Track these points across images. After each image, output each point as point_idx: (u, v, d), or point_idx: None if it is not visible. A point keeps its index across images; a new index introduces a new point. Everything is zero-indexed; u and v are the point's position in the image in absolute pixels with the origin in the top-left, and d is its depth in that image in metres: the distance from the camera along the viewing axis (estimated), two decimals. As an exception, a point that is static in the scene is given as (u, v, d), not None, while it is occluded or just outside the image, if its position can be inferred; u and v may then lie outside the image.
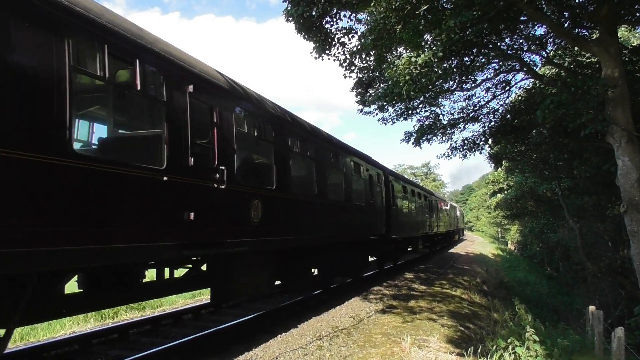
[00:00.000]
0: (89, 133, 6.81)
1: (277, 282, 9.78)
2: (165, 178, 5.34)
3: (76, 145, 5.25)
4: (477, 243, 61.41)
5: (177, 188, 5.59)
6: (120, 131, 7.13)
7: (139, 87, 5.10)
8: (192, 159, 5.85)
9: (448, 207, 40.53)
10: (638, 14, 11.88)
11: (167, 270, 6.82)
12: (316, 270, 11.97)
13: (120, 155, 5.62)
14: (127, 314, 10.56)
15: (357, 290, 13.44)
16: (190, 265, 7.13)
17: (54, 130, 4.10)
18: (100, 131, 6.88)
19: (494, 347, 7.03)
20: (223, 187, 6.46)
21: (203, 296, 12.56)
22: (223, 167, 6.48)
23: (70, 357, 7.08)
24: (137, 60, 5.10)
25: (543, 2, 11.26)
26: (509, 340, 6.92)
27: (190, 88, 5.97)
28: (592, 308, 9.89)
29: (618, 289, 18.94)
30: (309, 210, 9.74)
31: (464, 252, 37.03)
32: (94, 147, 6.68)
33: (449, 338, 8.58)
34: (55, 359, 7.00)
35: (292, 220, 8.91)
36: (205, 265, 7.29)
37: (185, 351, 7.25)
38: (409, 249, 22.52)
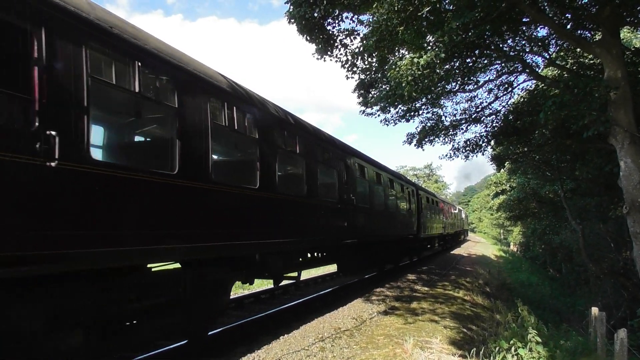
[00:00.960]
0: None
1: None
2: None
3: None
4: (480, 244, 61.29)
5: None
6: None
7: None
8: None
9: (456, 211, 45.41)
10: (640, 16, 11.89)
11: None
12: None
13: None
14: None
15: (360, 291, 13.46)
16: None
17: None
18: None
19: (497, 348, 7.03)
20: (339, 206, 10.84)
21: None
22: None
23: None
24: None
25: (545, 4, 11.27)
26: (511, 342, 6.93)
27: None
28: (594, 309, 9.87)
29: (620, 290, 18.88)
30: (378, 217, 14.26)
31: (466, 254, 36.97)
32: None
33: (452, 339, 8.58)
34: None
35: (370, 224, 13.29)
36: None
37: (184, 354, 7.27)
38: (428, 246, 27.86)
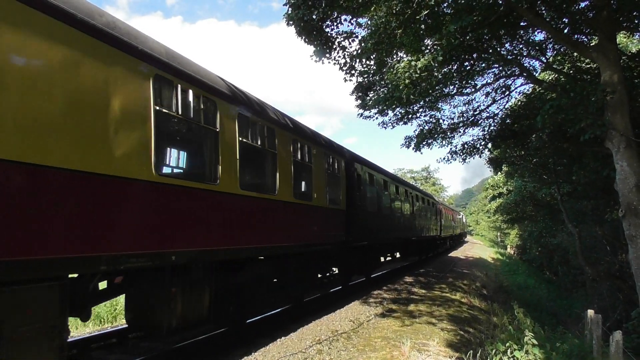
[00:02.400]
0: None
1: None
2: None
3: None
4: (477, 247, 61.35)
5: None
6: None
7: None
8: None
9: (460, 217, 56.80)
10: (636, 21, 11.97)
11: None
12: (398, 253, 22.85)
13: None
14: (122, 320, 10.08)
15: (357, 294, 13.47)
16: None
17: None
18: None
19: (494, 351, 7.05)
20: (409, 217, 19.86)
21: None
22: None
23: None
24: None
25: (543, 8, 11.33)
26: (508, 344, 6.95)
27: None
28: (590, 312, 9.91)
29: (616, 292, 18.96)
30: (421, 224, 23.07)
31: (463, 256, 37.03)
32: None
33: (449, 342, 8.60)
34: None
35: (418, 228, 22.01)
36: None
37: (184, 356, 7.27)
38: (444, 244, 38.09)
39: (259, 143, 7.78)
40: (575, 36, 12.58)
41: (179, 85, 5.83)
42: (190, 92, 6.03)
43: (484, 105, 16.58)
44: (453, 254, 39.62)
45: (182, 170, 7.82)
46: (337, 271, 13.48)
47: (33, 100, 3.99)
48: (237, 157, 6.90)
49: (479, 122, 16.65)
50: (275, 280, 9.23)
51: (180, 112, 5.86)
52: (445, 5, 10.20)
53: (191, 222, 5.92)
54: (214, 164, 6.49)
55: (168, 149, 7.36)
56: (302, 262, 9.98)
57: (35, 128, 3.98)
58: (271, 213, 8.15)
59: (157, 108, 5.39)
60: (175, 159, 7.42)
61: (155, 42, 5.78)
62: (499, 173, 29.86)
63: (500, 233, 74.51)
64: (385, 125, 16.53)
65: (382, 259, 19.15)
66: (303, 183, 10.44)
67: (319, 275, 12.42)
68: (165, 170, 7.22)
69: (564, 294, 26.79)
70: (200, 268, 6.53)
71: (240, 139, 7.03)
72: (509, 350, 6.83)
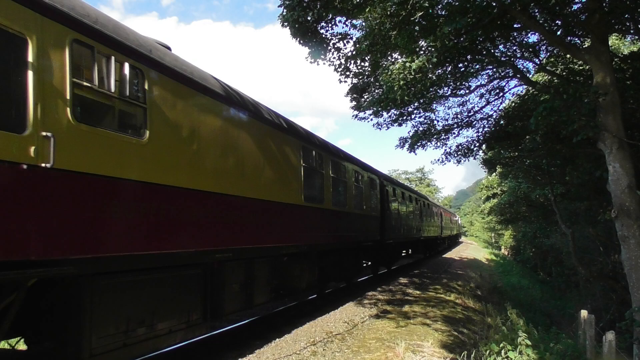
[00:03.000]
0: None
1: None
2: None
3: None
4: (471, 248, 61.55)
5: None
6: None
7: None
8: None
9: (456, 219, 64.81)
10: (628, 23, 12.06)
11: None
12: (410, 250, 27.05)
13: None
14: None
15: (352, 295, 13.48)
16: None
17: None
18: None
19: (488, 351, 7.08)
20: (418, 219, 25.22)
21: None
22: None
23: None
24: None
25: (536, 11, 11.39)
26: (502, 345, 6.98)
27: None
28: (584, 312, 9.98)
29: (609, 293, 19.06)
30: (427, 226, 28.41)
31: (457, 257, 37.12)
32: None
33: (443, 343, 8.62)
34: None
35: (424, 229, 27.01)
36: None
37: (179, 358, 7.24)
38: (444, 242, 44.73)
39: (339, 175, 12.34)
40: (568, 38, 12.66)
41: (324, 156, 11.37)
42: (313, 151, 10.77)
43: (478, 106, 16.65)
44: (447, 255, 39.72)
45: (313, 197, 10.74)
46: (370, 263, 17.77)
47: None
48: (331, 187, 11.58)
49: (473, 123, 16.70)
50: (339, 265, 12.95)
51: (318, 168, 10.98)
52: (439, 7, 10.24)
53: (314, 226, 10.45)
54: (323, 192, 11.08)
55: (308, 186, 10.46)
56: (354, 253, 14.18)
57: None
58: (344, 220, 12.56)
59: (304, 165, 9.98)
60: (310, 191, 10.55)
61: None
62: (493, 174, 30.01)
63: (495, 234, 74.76)
64: (379, 127, 16.54)
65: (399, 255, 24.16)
66: (358, 198, 14.12)
67: (364, 264, 16.54)
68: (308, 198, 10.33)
69: (558, 295, 26.92)
70: (314, 254, 10.76)
71: (333, 176, 11.75)
72: (502, 351, 6.86)
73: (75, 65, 4.47)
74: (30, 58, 4.02)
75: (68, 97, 4.34)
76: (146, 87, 5.35)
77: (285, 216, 8.95)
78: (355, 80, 14.87)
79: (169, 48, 6.53)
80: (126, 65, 5.03)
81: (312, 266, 10.73)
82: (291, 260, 9.83)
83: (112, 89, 4.78)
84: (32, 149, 3.93)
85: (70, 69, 4.38)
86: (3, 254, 3.71)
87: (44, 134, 4.03)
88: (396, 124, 15.99)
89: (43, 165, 4.02)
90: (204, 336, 8.40)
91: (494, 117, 16.64)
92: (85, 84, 4.55)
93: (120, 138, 4.93)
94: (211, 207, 6.46)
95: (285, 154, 9.07)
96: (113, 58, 4.82)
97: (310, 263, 10.60)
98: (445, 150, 17.04)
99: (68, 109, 4.32)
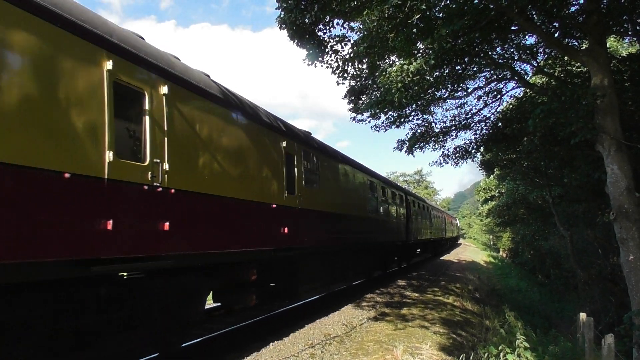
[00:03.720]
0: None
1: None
2: None
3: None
4: (470, 250, 61.57)
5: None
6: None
7: None
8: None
9: (456, 222, 74.07)
10: (626, 25, 12.08)
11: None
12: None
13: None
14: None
15: (350, 297, 13.44)
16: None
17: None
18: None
19: (486, 354, 7.04)
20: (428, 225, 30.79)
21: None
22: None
23: None
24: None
25: (534, 12, 11.40)
26: (500, 348, 6.94)
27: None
28: (582, 315, 9.95)
29: (608, 296, 19.05)
30: (437, 229, 35.94)
31: (456, 260, 37.11)
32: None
33: (441, 345, 8.58)
34: None
35: (432, 232, 32.21)
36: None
37: None
38: (448, 242, 51.97)
39: (385, 196, 18.06)
40: (566, 40, 12.67)
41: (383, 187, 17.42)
42: (385, 188, 17.59)
43: (475, 108, 16.65)
44: (446, 257, 39.72)
45: (372, 210, 16.12)
46: (396, 258, 23.04)
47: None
48: (381, 203, 17.05)
49: (471, 125, 16.70)
50: (381, 257, 18.61)
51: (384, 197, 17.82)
52: (436, 9, 10.24)
53: (372, 230, 15.59)
54: (378, 207, 16.78)
55: (371, 204, 16.24)
56: (391, 250, 20.26)
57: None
58: (387, 226, 17.82)
59: (371, 193, 16.07)
60: (371, 206, 15.87)
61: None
62: (491, 176, 30.05)
63: (493, 236, 74.79)
64: (377, 129, 16.54)
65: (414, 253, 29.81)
66: (394, 210, 19.48)
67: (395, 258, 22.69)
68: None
69: (556, 297, 26.89)
70: (370, 248, 15.77)
71: (383, 198, 17.58)
72: (501, 354, 6.82)
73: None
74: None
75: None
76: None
77: (359, 224, 14.21)
78: (353, 83, 14.85)
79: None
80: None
81: (368, 257, 16.40)
82: (357, 252, 14.98)
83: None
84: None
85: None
86: (278, 243, 8.45)
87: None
88: (394, 126, 15.98)
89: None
90: (202, 338, 8.36)
91: (492, 119, 16.65)
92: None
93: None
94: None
95: (364, 189, 15.17)
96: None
97: (367, 255, 16.22)
98: (443, 152, 17.05)
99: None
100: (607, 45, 11.70)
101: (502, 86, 15.96)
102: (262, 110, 8.89)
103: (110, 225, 4.71)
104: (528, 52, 14.15)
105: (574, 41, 13.04)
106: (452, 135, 16.71)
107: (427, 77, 11.80)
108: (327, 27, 12.20)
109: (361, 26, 12.06)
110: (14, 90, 3.90)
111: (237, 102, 7.86)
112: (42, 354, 4.61)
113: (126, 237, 4.96)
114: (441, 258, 37.54)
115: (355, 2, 10.44)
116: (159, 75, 5.78)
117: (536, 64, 14.82)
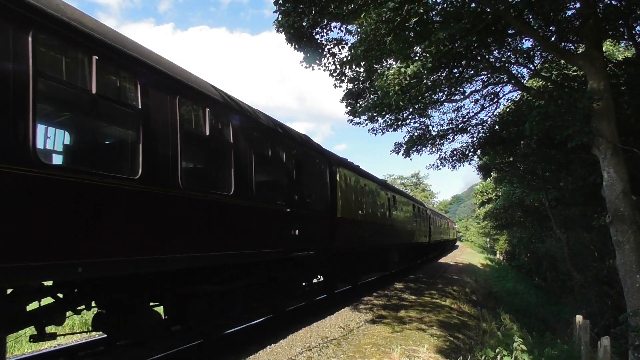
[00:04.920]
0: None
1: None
2: None
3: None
4: (467, 253, 61.66)
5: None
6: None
7: None
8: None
9: (455, 225, 78.92)
10: (622, 29, 12.15)
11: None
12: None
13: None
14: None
15: (348, 300, 13.43)
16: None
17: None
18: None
19: (483, 357, 7.05)
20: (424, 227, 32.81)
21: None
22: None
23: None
24: None
25: (530, 16, 11.46)
26: (497, 350, 6.95)
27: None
28: (579, 317, 9.98)
29: (604, 298, 19.12)
30: (439, 231, 38.55)
31: (453, 262, 37.16)
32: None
33: (439, 348, 8.59)
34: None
35: (435, 235, 35.84)
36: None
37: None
38: (449, 244, 56.70)
39: (415, 210, 24.32)
40: (563, 44, 12.74)
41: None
42: (420, 208, 26.36)
43: (472, 112, 16.73)
44: (443, 259, 39.77)
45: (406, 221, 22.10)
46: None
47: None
48: (411, 216, 23.33)
49: (468, 128, 16.77)
50: (411, 255, 25.67)
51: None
52: (434, 13, 10.28)
53: (409, 234, 22.37)
54: (417, 219, 25.96)
55: (412, 218, 23.70)
56: (419, 249, 28.86)
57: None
58: (417, 231, 24.51)
59: (409, 212, 24.03)
60: (410, 218, 22.59)
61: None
62: (488, 179, 30.14)
63: (490, 239, 74.90)
64: (375, 132, 16.59)
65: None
66: (418, 219, 25.43)
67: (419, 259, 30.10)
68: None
69: (553, 300, 26.96)
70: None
71: (415, 211, 24.77)
72: (498, 356, 6.83)
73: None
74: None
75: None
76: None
77: (398, 230, 19.36)
78: (350, 86, 14.90)
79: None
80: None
81: (401, 254, 21.15)
82: (391, 250, 19.03)
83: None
84: None
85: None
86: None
87: None
88: (391, 129, 16.03)
89: None
90: (200, 341, 8.33)
91: (489, 122, 16.73)
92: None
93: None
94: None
95: (410, 211, 22.29)
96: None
97: (401, 253, 21.05)
98: (440, 155, 17.09)
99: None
100: (604, 49, 11.77)
101: (499, 89, 16.05)
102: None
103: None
104: (525, 55, 14.23)
105: (571, 45, 13.11)
106: (449, 139, 16.78)
107: (425, 80, 11.85)
108: (325, 30, 12.24)
109: (359, 29, 12.11)
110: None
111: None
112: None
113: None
114: (439, 261, 37.58)
115: (353, 5, 10.47)
116: None
117: (533, 68, 14.90)
